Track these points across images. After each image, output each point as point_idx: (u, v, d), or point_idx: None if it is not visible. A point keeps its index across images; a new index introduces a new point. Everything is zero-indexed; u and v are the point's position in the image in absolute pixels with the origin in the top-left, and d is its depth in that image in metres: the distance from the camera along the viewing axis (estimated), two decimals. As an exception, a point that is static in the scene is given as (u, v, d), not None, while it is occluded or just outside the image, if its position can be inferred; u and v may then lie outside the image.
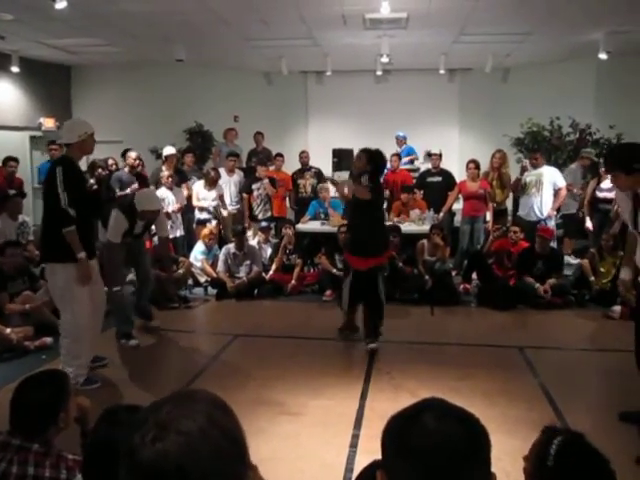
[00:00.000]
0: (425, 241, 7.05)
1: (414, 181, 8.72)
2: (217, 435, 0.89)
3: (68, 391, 2.23)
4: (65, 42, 8.74)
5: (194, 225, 8.09)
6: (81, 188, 4.23)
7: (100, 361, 4.70)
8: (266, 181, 8.26)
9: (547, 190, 7.47)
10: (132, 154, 7.82)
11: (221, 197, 8.11)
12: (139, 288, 5.76)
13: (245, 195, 8.31)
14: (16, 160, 7.73)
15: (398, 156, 9.02)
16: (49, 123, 10.24)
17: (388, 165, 8.82)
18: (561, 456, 1.60)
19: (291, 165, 9.36)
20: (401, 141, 9.97)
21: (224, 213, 8.11)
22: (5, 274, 5.48)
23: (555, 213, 7.68)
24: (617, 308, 5.98)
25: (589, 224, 7.81)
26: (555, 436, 1.66)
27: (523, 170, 7.74)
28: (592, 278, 6.57)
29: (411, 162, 9.84)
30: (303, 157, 9.09)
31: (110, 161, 8.12)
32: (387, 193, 8.61)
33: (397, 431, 1.02)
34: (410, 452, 0.97)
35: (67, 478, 2.03)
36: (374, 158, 4.97)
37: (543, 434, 1.71)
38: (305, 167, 9.04)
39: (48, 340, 5.11)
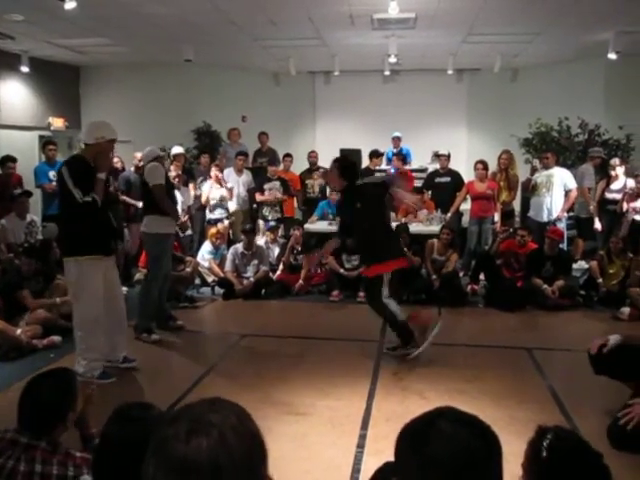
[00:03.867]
0: (435, 240, 7.03)
1: (415, 183, 8.68)
2: (247, 433, 0.92)
3: (77, 390, 2.25)
4: (74, 42, 8.79)
5: (204, 224, 8.12)
6: (90, 186, 4.25)
7: (129, 362, 4.64)
8: (277, 184, 8.27)
9: (557, 191, 7.43)
10: (138, 154, 7.87)
11: (230, 191, 8.13)
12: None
13: (259, 196, 8.32)
14: (14, 160, 7.60)
15: (400, 156, 8.96)
16: (58, 123, 10.30)
17: (388, 166, 8.82)
18: (554, 449, 1.67)
19: (299, 165, 9.37)
20: (396, 141, 9.92)
21: (232, 208, 8.13)
22: (23, 275, 5.61)
23: (565, 214, 7.63)
24: (626, 310, 5.95)
25: (598, 225, 7.77)
26: (548, 432, 1.74)
27: (533, 170, 7.69)
28: (600, 280, 6.53)
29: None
30: (312, 157, 9.09)
31: (115, 159, 8.14)
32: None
33: (412, 438, 1.03)
34: (426, 459, 0.98)
35: (75, 475, 2.04)
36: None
37: (537, 431, 1.77)
38: (313, 167, 9.04)
39: (56, 339, 5.13)
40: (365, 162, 9.36)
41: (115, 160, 8.15)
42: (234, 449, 0.87)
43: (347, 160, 5.14)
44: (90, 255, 4.24)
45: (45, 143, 8.17)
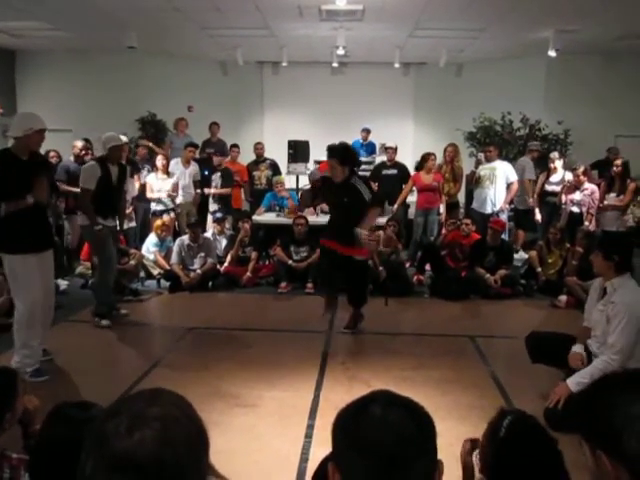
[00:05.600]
0: (381, 232, 7.11)
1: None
2: (187, 422, 0.90)
3: (17, 391, 2.14)
4: (9, 25, 8.39)
5: (150, 216, 7.93)
6: (17, 181, 4.10)
7: (46, 355, 4.56)
8: (217, 174, 8.17)
9: (500, 184, 7.67)
10: (78, 143, 7.62)
11: (176, 186, 7.98)
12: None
13: (206, 190, 8.20)
14: None
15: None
16: (-8, 110, 9.82)
17: (324, 157, 8.85)
18: (512, 428, 1.72)
19: (246, 156, 9.28)
20: (365, 134, 10.02)
21: (178, 200, 7.99)
22: None
23: (507, 206, 7.88)
24: (563, 297, 6.20)
25: (538, 216, 8.06)
26: (508, 413, 1.80)
27: (478, 163, 7.87)
28: (539, 269, 6.77)
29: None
30: (258, 149, 9.01)
31: (51, 153, 7.78)
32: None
33: (345, 423, 1.03)
34: (358, 443, 0.98)
35: (11, 477, 1.95)
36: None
37: (498, 412, 1.80)
38: (260, 159, 8.97)
39: (-8, 335, 4.93)
40: (313, 153, 9.37)
41: (51, 155, 7.78)
42: (177, 441, 0.85)
43: (341, 146, 4.96)
44: (24, 254, 4.17)
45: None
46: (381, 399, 1.05)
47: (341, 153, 4.84)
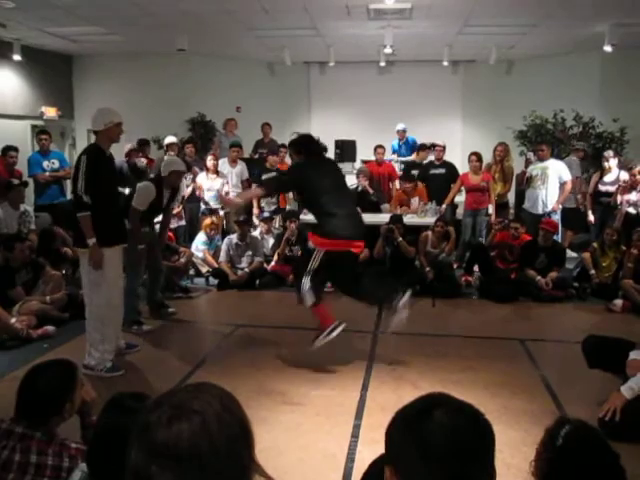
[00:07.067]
0: (429, 232, 7.03)
1: (399, 174, 8.67)
2: (230, 420, 0.91)
3: (76, 382, 2.23)
4: (67, 30, 8.71)
5: (199, 215, 8.10)
6: (105, 175, 4.31)
7: (130, 347, 4.81)
8: (273, 175, 8.21)
9: (552, 183, 7.43)
10: (127, 145, 7.84)
11: (226, 186, 8.14)
12: (152, 279, 5.74)
13: (255, 186, 8.28)
14: (16, 150, 7.63)
15: (383, 148, 8.99)
16: (51, 112, 10.23)
17: (372, 157, 8.80)
18: (570, 438, 1.66)
19: (294, 156, 9.33)
20: (402, 134, 9.92)
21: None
22: (12, 268, 5.52)
23: (560, 206, 7.64)
24: (619, 301, 5.98)
25: (591, 217, 7.79)
26: (568, 422, 1.74)
27: (528, 163, 7.67)
28: (592, 271, 6.55)
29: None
30: (306, 148, 9.04)
31: None
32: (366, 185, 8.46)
33: (407, 427, 1.02)
34: (425, 450, 0.97)
35: (70, 466, 2.03)
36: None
37: (557, 420, 1.76)
38: (307, 158, 9.00)
39: (50, 329, 5.12)
40: (360, 153, 9.37)
41: None
42: (216, 436, 0.87)
43: (298, 138, 4.94)
44: (112, 246, 4.30)
45: (38, 132, 8.10)
46: (444, 404, 1.04)
47: (294, 143, 4.87)
